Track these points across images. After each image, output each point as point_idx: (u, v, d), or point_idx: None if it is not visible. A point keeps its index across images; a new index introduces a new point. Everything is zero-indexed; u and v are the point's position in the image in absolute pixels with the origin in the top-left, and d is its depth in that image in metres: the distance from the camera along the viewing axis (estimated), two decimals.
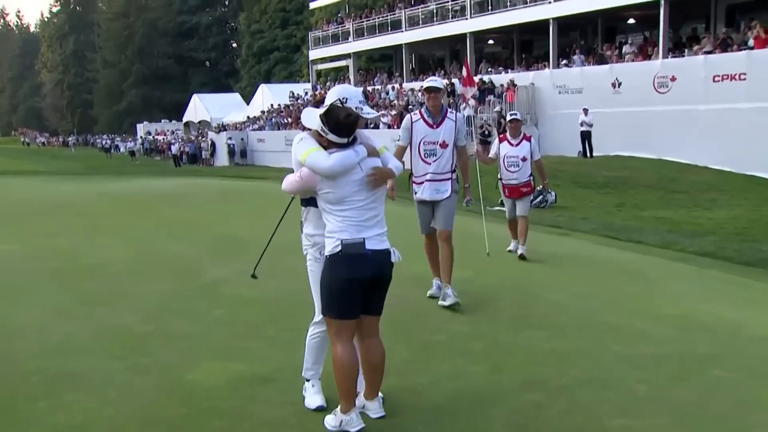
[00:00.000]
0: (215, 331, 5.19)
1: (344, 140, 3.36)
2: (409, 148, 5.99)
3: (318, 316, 3.67)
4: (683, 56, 21.35)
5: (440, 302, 5.76)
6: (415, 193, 6.02)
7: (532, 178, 8.21)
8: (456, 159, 5.94)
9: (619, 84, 22.17)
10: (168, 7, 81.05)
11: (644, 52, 22.73)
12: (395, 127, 24.22)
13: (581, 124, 21.35)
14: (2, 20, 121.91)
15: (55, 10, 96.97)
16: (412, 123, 5.93)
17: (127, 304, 6.03)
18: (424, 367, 4.36)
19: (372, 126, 27.93)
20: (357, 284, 3.37)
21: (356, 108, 3.37)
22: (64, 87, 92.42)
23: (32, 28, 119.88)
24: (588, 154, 21.66)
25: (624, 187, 16.70)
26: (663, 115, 20.56)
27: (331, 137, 3.35)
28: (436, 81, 5.94)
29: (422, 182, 5.93)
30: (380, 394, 3.64)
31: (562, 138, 23.26)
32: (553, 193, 13.84)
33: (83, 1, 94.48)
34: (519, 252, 7.86)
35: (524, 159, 8.02)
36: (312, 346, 3.76)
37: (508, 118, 8.44)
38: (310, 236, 3.64)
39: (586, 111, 21.23)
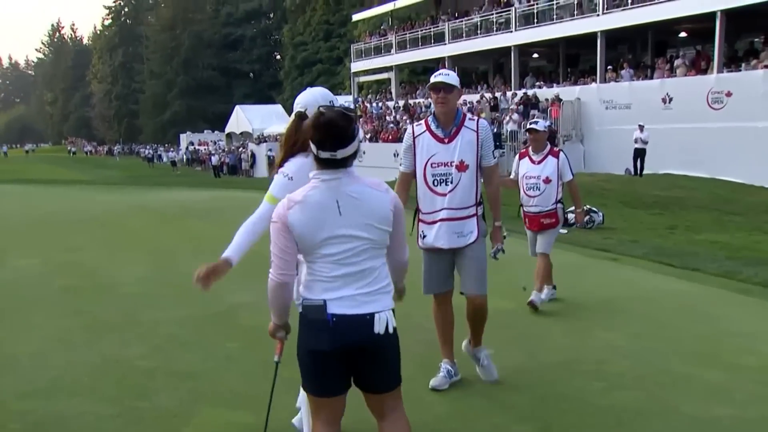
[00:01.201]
0: (225, 370, 4.64)
1: (327, 154, 2.53)
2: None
3: None
4: (740, 71, 20.35)
5: (483, 377, 4.37)
6: (423, 236, 4.21)
7: (560, 206, 6.43)
8: (480, 186, 4.19)
9: (670, 99, 21.26)
10: (214, 19, 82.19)
11: (697, 67, 21.78)
12: None
13: (636, 141, 20.45)
14: (57, 33, 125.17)
15: (107, 22, 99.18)
16: (414, 138, 4.17)
17: (135, 332, 5.54)
18: (458, 426, 3.74)
19: None
20: (319, 358, 2.59)
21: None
22: (113, 97, 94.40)
23: (85, 41, 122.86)
24: (638, 173, 20.74)
25: (675, 208, 15.81)
26: (717, 133, 19.59)
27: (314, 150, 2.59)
28: (446, 75, 4.09)
29: (434, 222, 4.15)
30: None
31: (609, 155, 22.41)
32: (600, 213, 13.11)
33: (133, 14, 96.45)
34: (530, 298, 6.21)
35: (548, 180, 6.23)
36: None
37: (528, 126, 6.61)
38: None
39: (642, 128, 20.32)
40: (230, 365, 4.75)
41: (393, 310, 2.64)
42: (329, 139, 2.51)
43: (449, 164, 4.07)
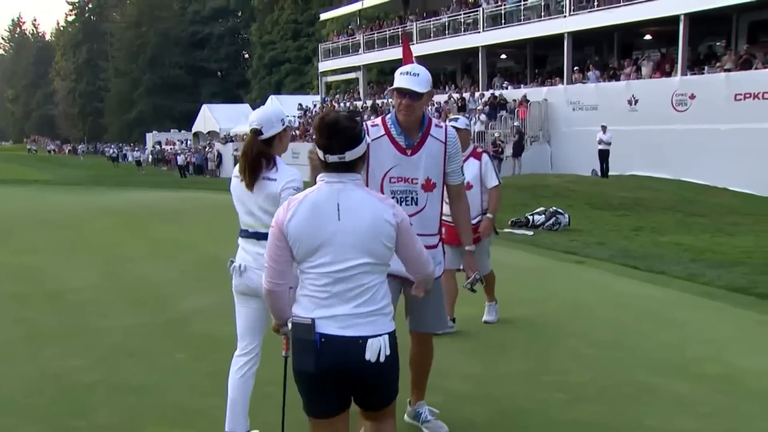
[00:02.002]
0: (171, 383, 4.40)
1: (335, 158, 2.41)
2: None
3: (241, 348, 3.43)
4: (703, 74, 20.58)
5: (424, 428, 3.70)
6: None
7: (488, 218, 5.53)
8: (442, 206, 3.56)
9: (636, 101, 21.46)
10: (180, 17, 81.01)
11: (662, 69, 21.99)
12: None
13: (599, 142, 20.54)
14: (18, 29, 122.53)
15: (70, 18, 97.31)
16: (368, 142, 3.08)
17: (80, 342, 5.25)
18: None
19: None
20: (308, 379, 2.43)
21: None
22: (76, 95, 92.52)
23: (48, 37, 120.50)
24: (604, 174, 20.84)
25: (641, 209, 15.89)
26: (681, 134, 19.81)
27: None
28: (415, 77, 3.26)
29: None
30: None
31: (576, 156, 22.54)
32: (566, 215, 13.07)
33: (97, 10, 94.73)
34: (484, 317, 5.84)
35: (469, 186, 4.96)
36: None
37: (449, 124, 5.71)
38: None
39: (604, 128, 20.43)
40: (177, 378, 4.50)
41: (391, 334, 2.44)
42: (336, 141, 2.39)
43: (413, 181, 3.41)
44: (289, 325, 2.49)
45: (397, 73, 3.32)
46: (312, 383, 2.42)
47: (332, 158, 2.39)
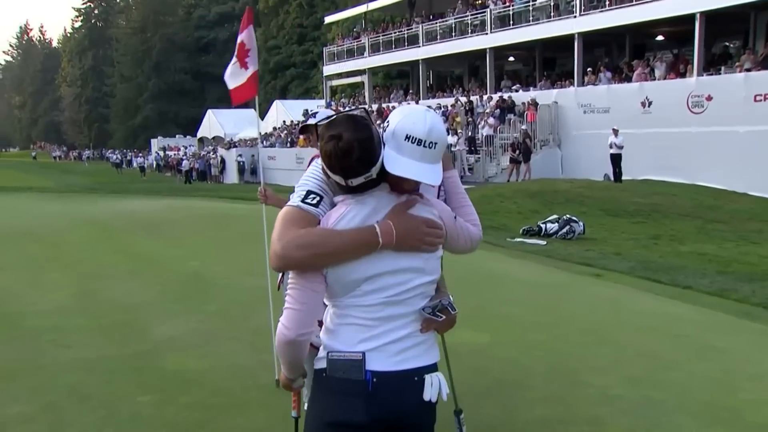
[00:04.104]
0: None
1: (360, 179, 1.94)
2: None
3: None
4: (720, 74, 19.82)
5: None
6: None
7: None
8: None
9: (650, 103, 20.69)
10: (185, 22, 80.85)
11: (676, 70, 21.23)
12: None
13: (611, 146, 19.74)
14: (26, 36, 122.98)
15: (77, 25, 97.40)
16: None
17: (28, 382, 4.52)
18: None
19: None
20: None
21: None
22: (82, 101, 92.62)
23: (54, 43, 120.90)
24: (617, 178, 20.07)
25: (657, 216, 15.14)
26: (697, 137, 19.06)
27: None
28: (430, 151, 1.95)
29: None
30: None
31: (587, 160, 21.80)
32: (581, 223, 12.33)
33: (103, 16, 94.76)
34: None
35: None
36: None
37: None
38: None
39: (616, 132, 19.63)
40: (134, 429, 3.78)
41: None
42: (358, 163, 1.89)
43: None
44: (317, 366, 1.97)
45: (399, 133, 1.95)
46: None
47: (357, 180, 1.91)
